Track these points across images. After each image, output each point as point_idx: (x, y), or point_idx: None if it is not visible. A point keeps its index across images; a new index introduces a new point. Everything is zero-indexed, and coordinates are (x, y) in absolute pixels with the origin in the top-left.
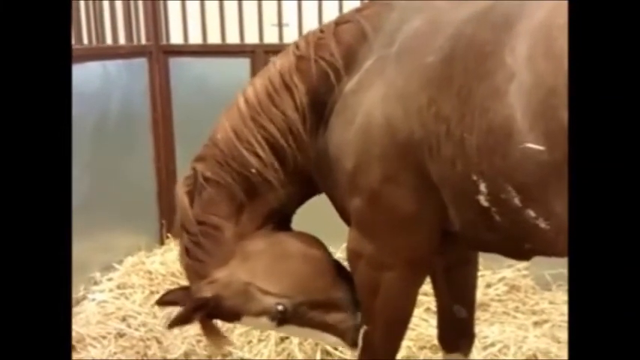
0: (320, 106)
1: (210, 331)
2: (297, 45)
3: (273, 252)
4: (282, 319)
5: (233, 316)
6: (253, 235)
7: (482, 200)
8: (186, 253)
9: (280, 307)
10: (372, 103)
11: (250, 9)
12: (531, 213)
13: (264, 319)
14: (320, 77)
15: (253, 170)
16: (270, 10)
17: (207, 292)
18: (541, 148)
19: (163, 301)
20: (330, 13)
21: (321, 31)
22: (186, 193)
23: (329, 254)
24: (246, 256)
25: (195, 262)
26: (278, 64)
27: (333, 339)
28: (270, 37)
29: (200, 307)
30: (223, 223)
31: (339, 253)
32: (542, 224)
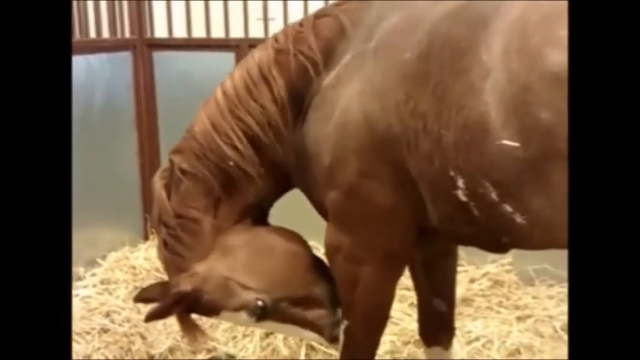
0: (298, 101)
1: (188, 326)
2: (276, 38)
3: (253, 247)
4: (261, 314)
5: (212, 311)
6: (232, 229)
7: (461, 195)
8: (164, 246)
9: (260, 303)
10: (349, 98)
11: (235, 3)
12: (508, 208)
13: (243, 315)
14: (299, 71)
15: (231, 163)
16: (255, 4)
17: (186, 285)
18: (516, 144)
19: (141, 298)
20: (316, 8)
21: (300, 24)
22: (164, 186)
23: (309, 250)
24: (225, 250)
25: (174, 255)
26: (256, 56)
27: (312, 335)
28: (256, 32)
29: (179, 301)
30: (202, 216)
31: (323, 249)
32: (519, 219)
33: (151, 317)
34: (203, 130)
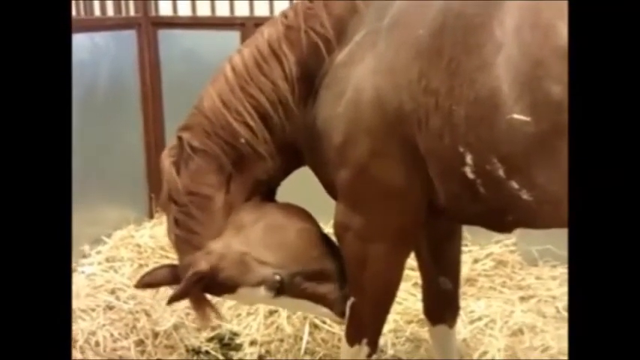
0: (309, 78)
1: (201, 304)
2: (285, 15)
3: (267, 223)
4: (279, 289)
5: (229, 288)
6: (244, 206)
7: (468, 172)
8: (175, 224)
9: (277, 277)
10: (362, 76)
11: None
12: (514, 184)
13: (261, 290)
14: (310, 48)
15: (242, 140)
16: None
17: (203, 263)
18: (527, 119)
19: (145, 283)
20: None
21: (310, 1)
22: (172, 163)
23: (318, 225)
24: (239, 227)
25: (187, 233)
26: (265, 33)
27: (324, 310)
28: (261, 10)
29: (199, 280)
30: (214, 193)
31: (328, 228)
32: (525, 195)
33: (174, 299)
34: (212, 107)
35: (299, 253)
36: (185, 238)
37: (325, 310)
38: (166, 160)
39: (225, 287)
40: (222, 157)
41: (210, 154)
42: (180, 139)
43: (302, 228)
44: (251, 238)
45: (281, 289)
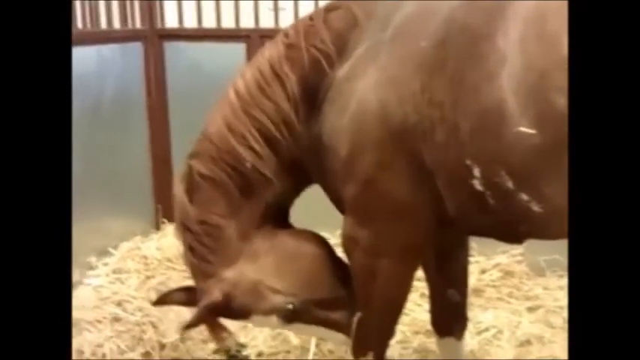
0: (312, 95)
1: (215, 328)
2: (285, 34)
3: (280, 251)
4: (291, 317)
5: (242, 314)
6: (257, 233)
7: (477, 184)
8: (190, 252)
9: (290, 306)
10: (365, 89)
11: None
12: (524, 196)
13: (273, 318)
14: (312, 65)
15: (248, 165)
16: None
17: (217, 291)
18: (532, 131)
19: (164, 301)
20: None
21: (311, 18)
22: (185, 191)
23: (332, 251)
24: (252, 255)
25: (201, 261)
26: (266, 53)
27: (339, 336)
28: (266, 22)
29: (214, 308)
30: (224, 222)
31: (334, 239)
32: (535, 207)
33: (190, 326)
34: (218, 132)
35: (312, 281)
36: (199, 266)
37: (340, 335)
38: (178, 188)
39: (239, 313)
40: (229, 184)
41: (217, 181)
42: (189, 167)
43: (315, 256)
44: (264, 266)
45: (293, 316)
